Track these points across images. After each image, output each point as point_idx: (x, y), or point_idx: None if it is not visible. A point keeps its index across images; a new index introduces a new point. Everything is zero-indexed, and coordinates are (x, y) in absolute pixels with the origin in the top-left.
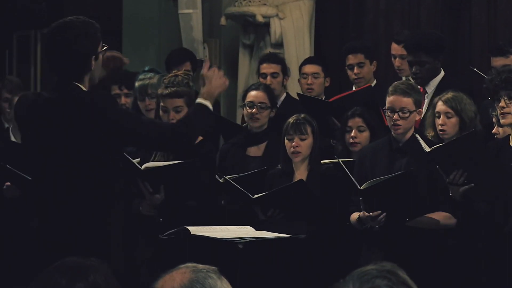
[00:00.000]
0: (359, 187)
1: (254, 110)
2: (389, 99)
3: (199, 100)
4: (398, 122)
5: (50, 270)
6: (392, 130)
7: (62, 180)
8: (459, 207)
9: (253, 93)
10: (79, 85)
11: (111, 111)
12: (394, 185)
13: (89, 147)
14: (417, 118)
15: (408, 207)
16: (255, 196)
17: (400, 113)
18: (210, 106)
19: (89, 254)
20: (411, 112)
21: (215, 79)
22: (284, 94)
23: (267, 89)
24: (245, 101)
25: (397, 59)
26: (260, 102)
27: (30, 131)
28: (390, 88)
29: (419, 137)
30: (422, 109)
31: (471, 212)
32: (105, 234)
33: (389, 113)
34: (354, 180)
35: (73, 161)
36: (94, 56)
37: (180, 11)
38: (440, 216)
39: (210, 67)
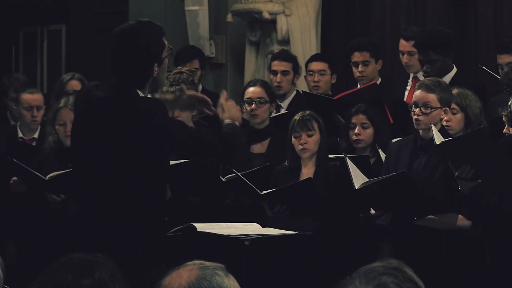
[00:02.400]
0: (355, 186)
1: (253, 106)
2: (414, 94)
3: (226, 121)
4: (419, 118)
5: (56, 266)
6: (414, 126)
7: (104, 178)
8: (468, 201)
9: (250, 89)
10: (138, 90)
11: (161, 121)
12: (389, 186)
13: (135, 151)
14: (443, 116)
15: (412, 207)
16: (264, 192)
17: (422, 108)
18: (237, 123)
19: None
20: (433, 109)
21: (233, 111)
22: (294, 92)
23: (265, 85)
24: (244, 98)
25: (405, 55)
26: (258, 98)
27: (81, 129)
28: (417, 83)
29: (434, 128)
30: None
31: (481, 206)
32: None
33: (413, 108)
34: (353, 179)
35: (117, 163)
36: (157, 63)
37: (186, 8)
38: (453, 217)
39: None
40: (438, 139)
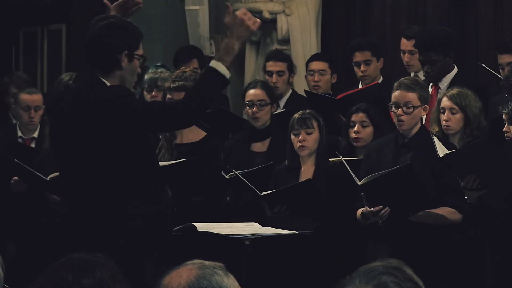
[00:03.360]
0: (358, 182)
1: (254, 109)
2: (394, 94)
3: (212, 62)
4: (402, 118)
5: (56, 266)
6: (397, 126)
7: (81, 173)
8: (476, 210)
9: (251, 92)
10: (103, 79)
11: (125, 100)
12: (393, 179)
13: (107, 139)
14: (423, 114)
15: (410, 201)
16: (263, 193)
17: (404, 108)
18: (220, 68)
19: (100, 249)
20: (415, 108)
21: (236, 27)
22: (290, 91)
23: (265, 86)
24: (245, 100)
25: (406, 54)
26: (259, 100)
27: (57, 123)
28: (395, 84)
29: (436, 140)
30: (429, 105)
31: (488, 213)
32: (122, 229)
33: (394, 109)
34: (353, 175)
35: (92, 154)
36: (125, 53)
37: (186, 8)
38: (445, 211)
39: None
40: (441, 151)
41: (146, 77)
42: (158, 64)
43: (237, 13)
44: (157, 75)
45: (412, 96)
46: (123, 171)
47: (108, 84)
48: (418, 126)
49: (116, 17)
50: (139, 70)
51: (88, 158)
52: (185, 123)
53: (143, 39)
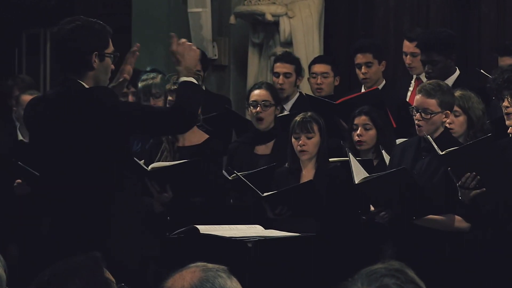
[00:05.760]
0: (355, 181)
1: (258, 109)
2: (416, 97)
3: (182, 78)
4: (420, 123)
5: (41, 274)
6: (417, 131)
7: (68, 175)
8: (469, 210)
9: (256, 92)
10: (80, 81)
11: (113, 103)
12: (388, 182)
13: (92, 142)
14: (444, 119)
15: (411, 205)
16: (265, 194)
17: (422, 114)
18: (195, 81)
19: (93, 248)
20: (433, 114)
21: (187, 53)
22: (297, 94)
23: (270, 87)
24: (249, 100)
25: (408, 56)
26: (263, 101)
27: (35, 130)
28: (418, 87)
29: (431, 139)
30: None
31: (480, 214)
32: (113, 229)
33: (414, 112)
34: (353, 174)
35: (78, 157)
36: (96, 54)
37: (189, 10)
38: (451, 219)
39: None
40: (439, 149)
41: (139, 85)
42: (148, 70)
43: (183, 40)
44: (150, 82)
45: (431, 103)
46: (104, 170)
47: (85, 85)
48: (441, 130)
49: (82, 19)
50: (112, 66)
51: (71, 159)
52: (175, 129)
53: (111, 35)
